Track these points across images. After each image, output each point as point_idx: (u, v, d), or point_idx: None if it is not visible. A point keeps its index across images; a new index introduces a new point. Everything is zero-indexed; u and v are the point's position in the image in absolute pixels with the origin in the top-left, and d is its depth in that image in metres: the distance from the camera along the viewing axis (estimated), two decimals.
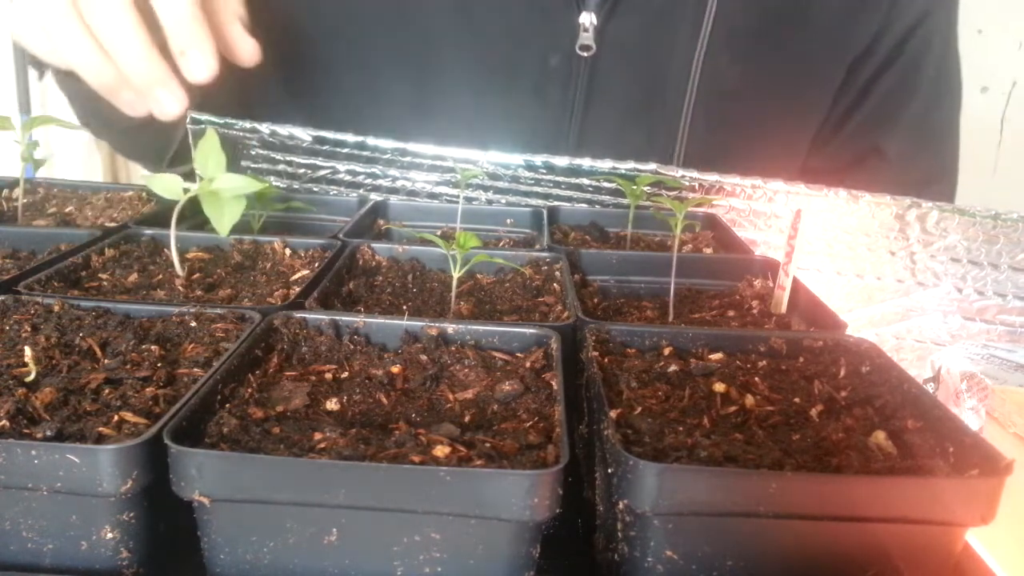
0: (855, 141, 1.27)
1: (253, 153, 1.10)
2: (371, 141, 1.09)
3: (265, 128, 1.08)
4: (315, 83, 1.22)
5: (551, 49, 1.12)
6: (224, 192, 0.76)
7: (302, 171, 1.11)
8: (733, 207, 1.07)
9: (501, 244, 1.01)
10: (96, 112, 1.04)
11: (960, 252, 1.01)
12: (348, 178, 1.12)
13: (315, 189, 1.12)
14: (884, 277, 1.03)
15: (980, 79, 3.43)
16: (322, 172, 1.11)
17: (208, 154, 0.76)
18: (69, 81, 1.00)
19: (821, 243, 1.04)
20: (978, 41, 3.36)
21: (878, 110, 1.24)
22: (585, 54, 1.11)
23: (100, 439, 0.50)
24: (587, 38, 1.10)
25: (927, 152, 1.30)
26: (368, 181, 1.12)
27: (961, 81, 1.30)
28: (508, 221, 1.07)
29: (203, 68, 0.89)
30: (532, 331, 0.67)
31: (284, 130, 1.09)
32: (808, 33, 1.16)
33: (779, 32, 1.16)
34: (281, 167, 1.11)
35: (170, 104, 0.89)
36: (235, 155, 1.09)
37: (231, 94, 1.03)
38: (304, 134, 1.09)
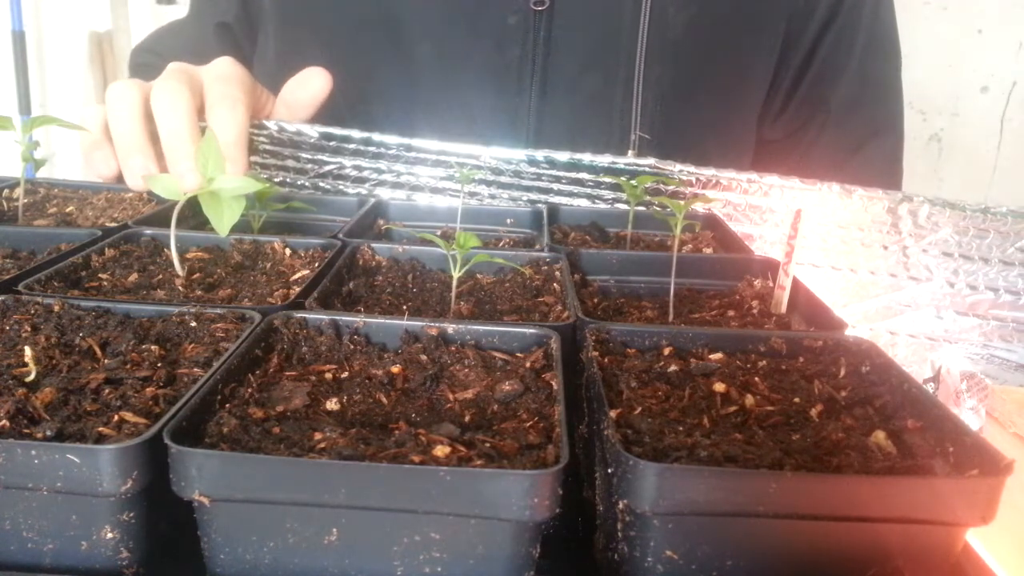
0: (805, 105, 1.35)
1: (261, 149, 1.11)
2: (376, 137, 1.10)
3: (272, 125, 1.09)
4: (289, 54, 1.31)
5: (509, 9, 1.20)
6: (224, 192, 0.76)
7: (309, 167, 1.12)
8: (730, 201, 1.08)
9: (501, 244, 1.01)
10: None
11: (952, 246, 1.01)
12: (354, 173, 1.12)
13: (322, 184, 1.13)
14: (878, 271, 1.03)
15: (980, 79, 3.43)
16: (328, 168, 1.12)
17: (208, 154, 0.76)
18: None
19: (816, 238, 1.04)
20: (978, 41, 3.37)
21: (823, 69, 1.33)
22: (539, 8, 1.19)
23: (100, 439, 0.50)
24: None
25: (868, 104, 1.37)
26: (373, 176, 1.12)
27: (898, 38, 1.39)
28: (508, 221, 1.07)
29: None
30: (532, 331, 0.67)
31: (291, 127, 1.09)
32: None
33: None
34: (288, 163, 1.12)
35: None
36: None
37: None
38: (311, 130, 1.10)
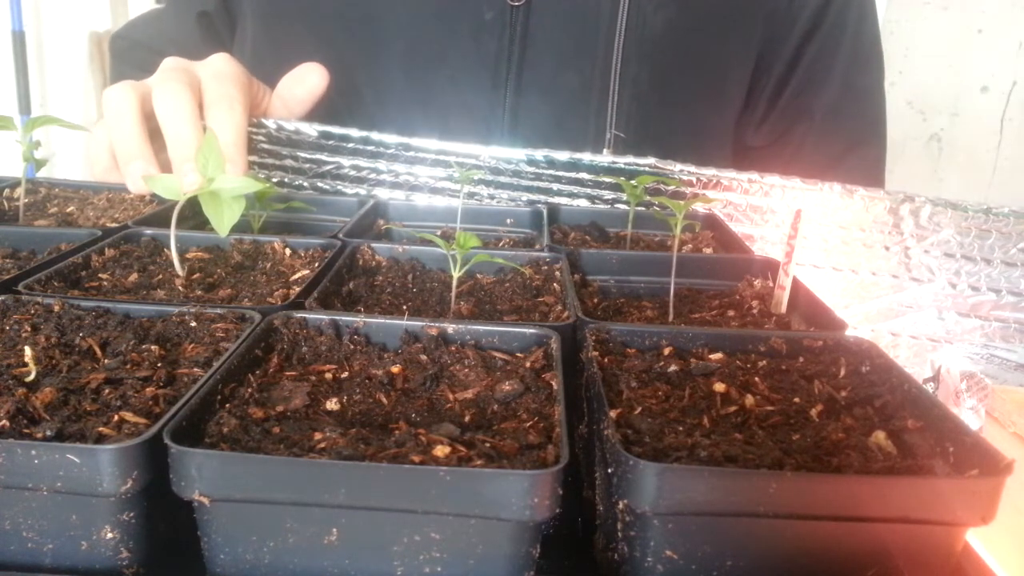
0: (788, 114, 1.34)
1: (259, 148, 1.11)
2: (375, 136, 1.09)
3: (271, 123, 1.08)
4: (271, 47, 1.31)
5: (486, 4, 1.20)
6: (224, 192, 0.76)
7: (308, 166, 1.12)
8: (730, 202, 1.08)
9: (501, 244, 1.01)
10: None
11: (953, 247, 1.01)
12: (353, 173, 1.12)
13: (320, 184, 1.12)
14: (879, 272, 1.03)
15: (980, 79, 3.43)
16: (327, 167, 1.12)
17: (208, 155, 0.76)
18: None
19: (817, 239, 1.04)
20: (978, 41, 3.37)
21: (806, 77, 1.32)
22: (516, 3, 1.19)
23: (100, 439, 0.50)
24: None
25: (851, 113, 1.36)
26: (372, 176, 1.12)
27: (880, 47, 1.38)
28: (508, 221, 1.07)
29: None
30: (532, 331, 0.67)
31: (290, 125, 1.09)
32: None
33: None
34: (287, 162, 1.12)
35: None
36: None
37: None
38: (310, 129, 1.10)
